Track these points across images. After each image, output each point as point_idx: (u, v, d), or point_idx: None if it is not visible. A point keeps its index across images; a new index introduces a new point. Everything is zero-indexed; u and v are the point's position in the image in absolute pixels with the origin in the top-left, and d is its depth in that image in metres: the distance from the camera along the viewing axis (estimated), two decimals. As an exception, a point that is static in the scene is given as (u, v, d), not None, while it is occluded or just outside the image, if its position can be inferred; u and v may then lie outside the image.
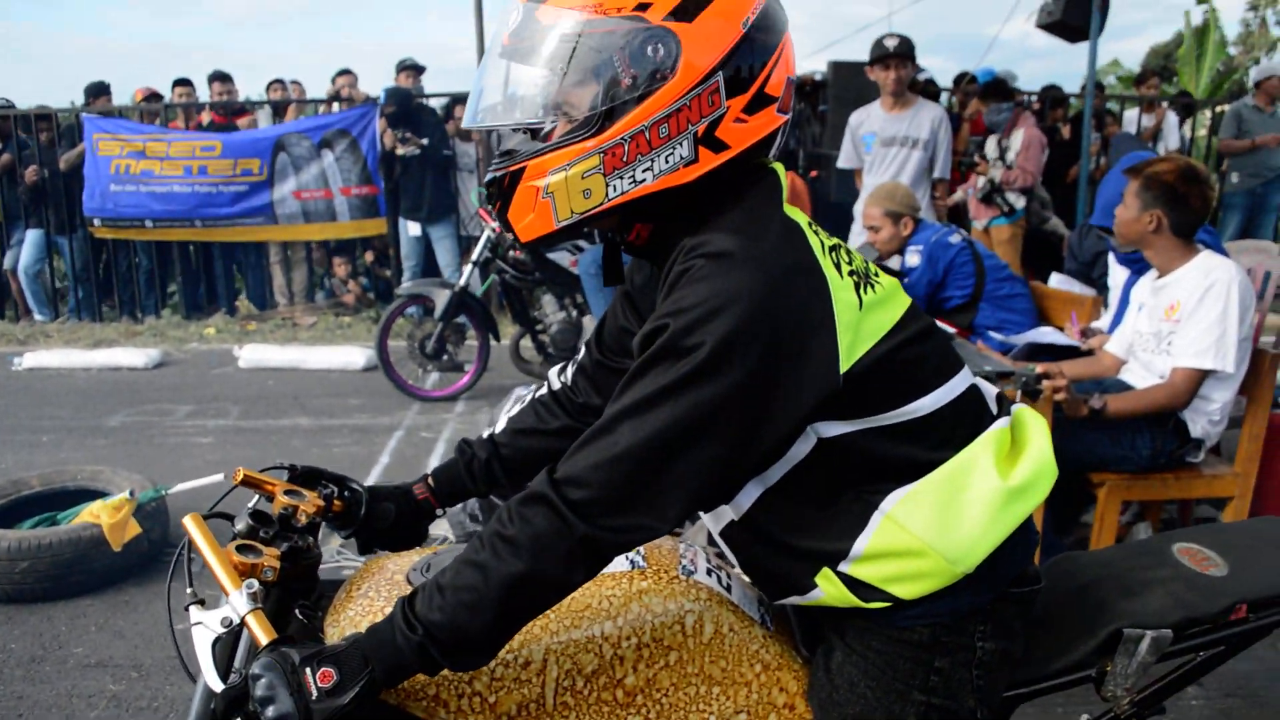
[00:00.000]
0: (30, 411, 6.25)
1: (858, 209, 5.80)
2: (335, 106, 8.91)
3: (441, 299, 5.99)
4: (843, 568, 1.32)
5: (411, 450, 5.29)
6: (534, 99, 1.28)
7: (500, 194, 1.32)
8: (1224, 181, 9.03)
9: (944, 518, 1.28)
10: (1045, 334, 3.88)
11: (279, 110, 9.14)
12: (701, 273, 1.20)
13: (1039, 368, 2.96)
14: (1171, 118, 9.39)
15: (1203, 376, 3.09)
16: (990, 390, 1.50)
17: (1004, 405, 1.47)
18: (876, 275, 1.36)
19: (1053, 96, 9.14)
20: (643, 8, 1.23)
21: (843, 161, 6.04)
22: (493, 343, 6.25)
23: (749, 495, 1.35)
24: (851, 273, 1.30)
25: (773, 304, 1.18)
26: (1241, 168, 8.72)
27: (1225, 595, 1.53)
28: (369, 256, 9.49)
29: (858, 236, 5.55)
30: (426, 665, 1.22)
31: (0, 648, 3.29)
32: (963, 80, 9.14)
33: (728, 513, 1.38)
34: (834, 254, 1.30)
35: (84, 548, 3.51)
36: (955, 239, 4.24)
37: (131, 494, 3.54)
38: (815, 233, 1.31)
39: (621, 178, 1.25)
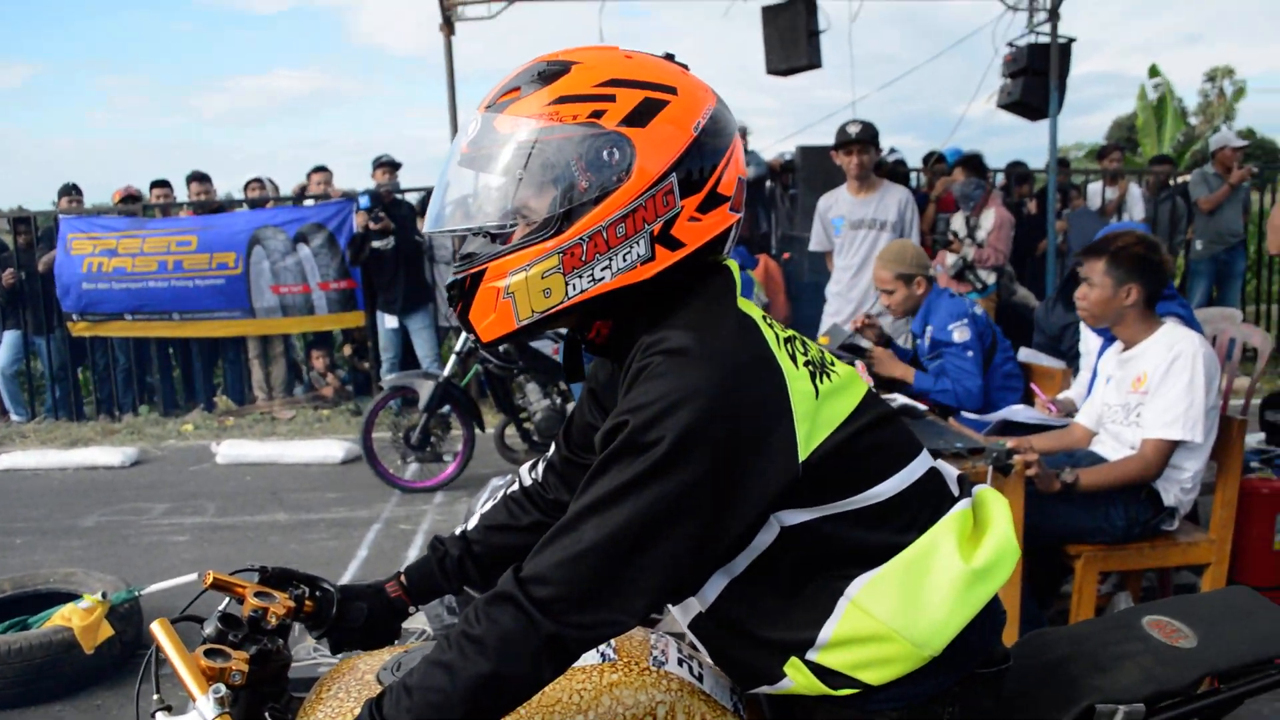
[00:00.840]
0: (3, 513, 6.18)
1: (829, 290, 5.88)
2: (309, 203, 9.00)
3: (426, 390, 6.01)
4: (810, 656, 1.32)
5: (390, 543, 5.25)
6: (493, 203, 1.32)
7: (462, 295, 1.35)
8: (1189, 249, 9.22)
9: (909, 602, 1.30)
10: (1018, 413, 3.91)
11: (257, 209, 9.23)
12: (659, 369, 1.22)
13: (1009, 443, 2.99)
14: (1134, 190, 9.60)
15: (1173, 447, 3.13)
16: (951, 472, 1.52)
17: (966, 487, 1.49)
18: (832, 364, 1.39)
19: (1018, 173, 9.37)
20: (597, 115, 1.27)
21: (814, 245, 6.14)
22: (478, 432, 6.25)
23: (715, 586, 1.35)
24: (807, 363, 1.33)
25: (730, 398, 1.21)
26: (1204, 235, 8.91)
27: (1195, 667, 1.54)
28: (347, 350, 9.52)
29: (831, 318, 5.62)
30: None
31: (-32, 759, 3.22)
32: (930, 159, 9.36)
33: (695, 605, 1.39)
34: (789, 345, 1.33)
35: (55, 651, 3.45)
36: (979, 309, 4.25)
37: (104, 596, 3.51)
38: (770, 325, 1.35)
39: (581, 276, 1.29)
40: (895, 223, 5.55)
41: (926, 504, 1.38)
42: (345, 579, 4.48)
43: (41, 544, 5.47)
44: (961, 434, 3.28)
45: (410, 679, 1.22)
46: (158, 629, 1.36)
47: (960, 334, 4.02)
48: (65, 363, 9.23)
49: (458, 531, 1.75)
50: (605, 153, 1.27)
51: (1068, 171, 10.23)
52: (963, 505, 1.41)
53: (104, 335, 8.96)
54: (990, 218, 6.95)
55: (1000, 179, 9.20)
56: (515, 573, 1.23)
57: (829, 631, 1.31)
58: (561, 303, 1.30)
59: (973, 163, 7.70)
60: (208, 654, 1.35)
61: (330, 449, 7.24)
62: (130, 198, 9.26)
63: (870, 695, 1.33)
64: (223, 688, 1.28)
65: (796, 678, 1.34)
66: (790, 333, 1.39)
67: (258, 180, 9.43)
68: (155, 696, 1.34)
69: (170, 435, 8.40)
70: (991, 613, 1.39)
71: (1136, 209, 9.53)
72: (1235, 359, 3.99)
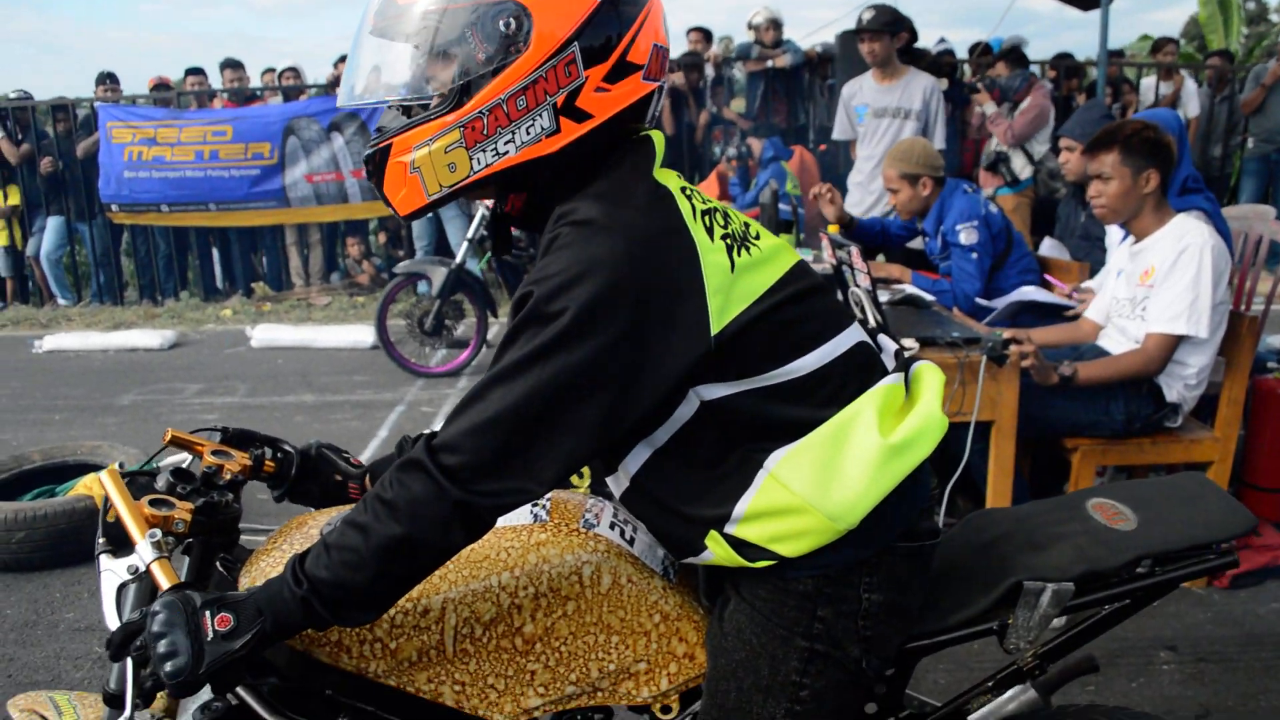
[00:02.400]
0: (46, 391, 6.39)
1: (851, 180, 5.78)
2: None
3: (438, 277, 6.05)
4: (728, 530, 1.34)
5: (410, 425, 5.36)
6: (398, 76, 1.31)
7: (375, 170, 1.35)
8: (1242, 148, 8.92)
9: (824, 475, 1.30)
10: (1030, 292, 3.86)
11: (291, 97, 9.23)
12: (566, 239, 1.23)
13: (1006, 333, 2.97)
14: (1190, 85, 9.26)
15: (1176, 342, 3.08)
16: (889, 346, 1.52)
17: (901, 361, 1.48)
18: (756, 237, 1.37)
19: (1066, 66, 9.04)
20: None
21: (837, 133, 6.02)
22: (490, 318, 6.30)
23: (638, 459, 1.37)
24: (725, 236, 1.31)
25: (637, 270, 1.21)
26: (1257, 133, 8.62)
27: (1130, 549, 1.53)
28: (382, 237, 9.58)
29: (852, 208, 5.53)
30: (313, 620, 1.26)
31: (-5, 614, 3.41)
32: (975, 50, 9.06)
33: (623, 479, 1.41)
34: (707, 217, 1.32)
35: (78, 518, 3.62)
36: (993, 208, 4.18)
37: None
38: (689, 197, 1.33)
39: (484, 150, 1.29)
40: (920, 112, 5.41)
41: (852, 378, 1.37)
42: (364, 456, 4.59)
43: (78, 420, 5.66)
44: (960, 323, 3.26)
45: (330, 537, 1.27)
46: (105, 477, 1.43)
47: (967, 236, 3.96)
48: (108, 248, 9.41)
49: (426, 432, 1.80)
50: (502, 23, 1.26)
51: (1120, 64, 9.84)
52: (892, 380, 1.39)
53: (142, 224, 9.10)
54: (1027, 104, 6.74)
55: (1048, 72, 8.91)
56: (427, 440, 1.26)
57: (745, 505, 1.32)
58: (467, 177, 1.31)
59: (1014, 54, 7.45)
60: (153, 503, 1.42)
61: (361, 334, 7.34)
62: (162, 86, 9.30)
63: (786, 565, 1.35)
64: (159, 533, 1.35)
65: (716, 550, 1.36)
66: (713, 204, 1.37)
67: (292, 69, 9.40)
68: (100, 539, 1.41)
69: (209, 320, 8.58)
70: (913, 486, 1.38)
71: (1191, 105, 9.21)
72: (1262, 257, 3.89)
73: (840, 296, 3.32)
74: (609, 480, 1.48)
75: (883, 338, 1.54)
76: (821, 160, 8.36)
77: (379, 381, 6.26)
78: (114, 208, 8.91)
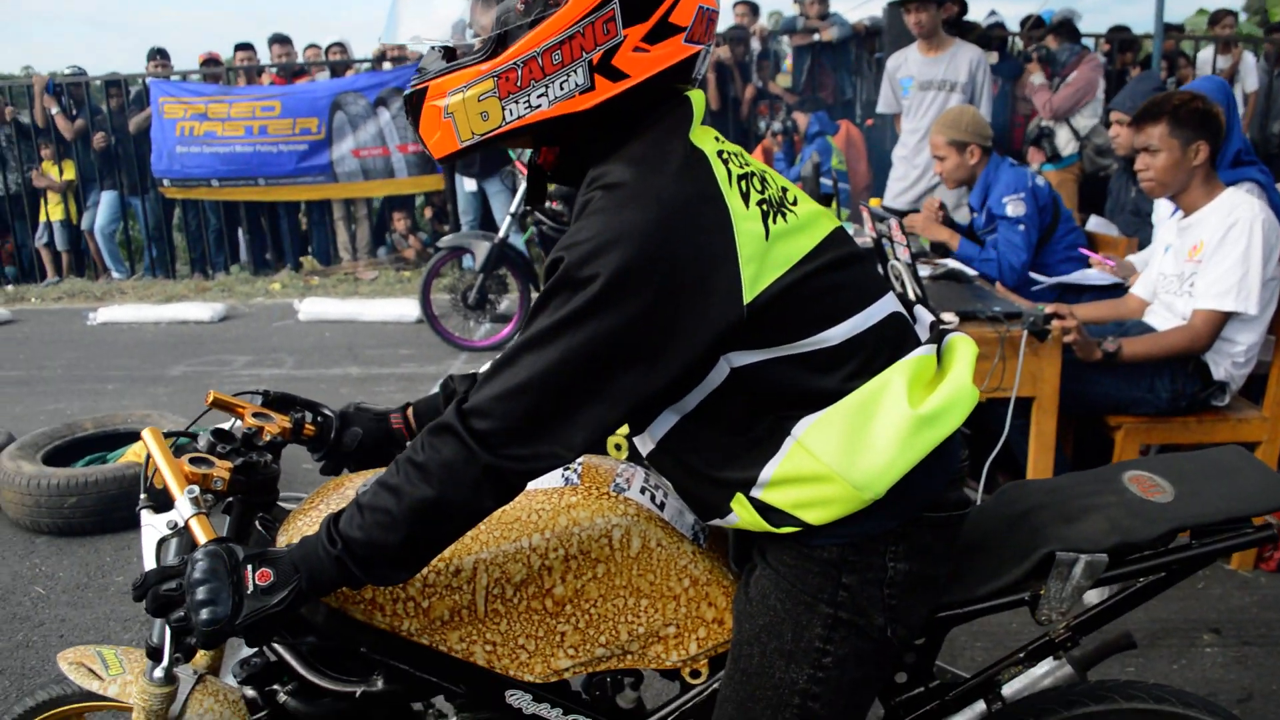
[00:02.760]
0: (99, 362, 6.54)
1: (895, 154, 5.72)
2: (386, 66, 9.03)
3: (481, 251, 6.09)
4: (755, 493, 1.34)
5: (454, 398, 5.41)
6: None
7: (412, 111, 1.36)
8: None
9: (851, 444, 1.29)
10: (1091, 275, 3.81)
11: (337, 72, 9.31)
12: (598, 205, 1.23)
13: (1049, 308, 2.93)
14: (1249, 59, 9.03)
15: (1224, 319, 3.03)
16: (925, 319, 1.51)
17: (936, 333, 1.47)
18: (795, 202, 1.35)
19: (1121, 39, 8.86)
20: None
21: (881, 106, 5.96)
22: (533, 292, 6.34)
23: (666, 423, 1.37)
24: (761, 201, 1.30)
25: (668, 237, 1.20)
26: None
27: (1165, 521, 1.51)
28: (427, 212, 9.65)
29: (897, 183, 5.49)
30: (347, 578, 1.28)
31: (49, 575, 3.52)
32: (1027, 23, 8.90)
33: (649, 441, 1.42)
34: (744, 182, 1.30)
35: (128, 485, 3.72)
36: (1041, 181, 4.12)
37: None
38: (725, 161, 1.31)
39: (517, 102, 1.28)
40: (965, 84, 5.33)
41: (885, 349, 1.36)
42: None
43: (130, 390, 5.78)
44: (1001, 297, 3.23)
45: (363, 498, 1.28)
46: (147, 435, 1.47)
47: (1014, 207, 3.89)
48: (160, 223, 9.57)
49: (472, 372, 1.82)
50: None
51: (1177, 38, 9.62)
52: (924, 351, 1.38)
53: (193, 199, 9.24)
54: (1072, 78, 6.61)
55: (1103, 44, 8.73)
56: (459, 404, 1.26)
57: (771, 470, 1.32)
58: (499, 127, 1.30)
59: (1065, 27, 7.30)
60: (193, 461, 1.46)
61: (406, 308, 7.42)
62: (212, 61, 9.41)
63: (811, 533, 1.35)
64: (197, 489, 1.38)
65: (741, 514, 1.36)
66: (751, 168, 1.35)
67: (338, 44, 9.47)
68: (143, 495, 1.45)
69: (259, 293, 8.71)
70: (942, 458, 1.37)
71: (1250, 79, 8.99)
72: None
73: (880, 270, 3.32)
74: (635, 440, 1.48)
75: (919, 309, 1.53)
76: (868, 135, 8.27)
77: (423, 355, 6.33)
78: (166, 182, 9.07)
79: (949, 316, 2.98)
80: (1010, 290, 3.84)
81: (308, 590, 1.28)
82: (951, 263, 3.74)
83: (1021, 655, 1.60)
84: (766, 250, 1.27)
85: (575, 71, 1.26)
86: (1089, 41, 8.18)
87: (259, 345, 6.85)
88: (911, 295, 2.93)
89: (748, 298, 1.24)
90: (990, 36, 7.37)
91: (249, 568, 1.26)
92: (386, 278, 8.91)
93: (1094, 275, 3.80)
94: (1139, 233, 4.48)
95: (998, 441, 2.93)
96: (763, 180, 1.35)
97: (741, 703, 1.40)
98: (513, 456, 1.24)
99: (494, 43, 1.28)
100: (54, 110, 9.26)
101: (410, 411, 1.77)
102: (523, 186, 6.03)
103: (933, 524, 1.41)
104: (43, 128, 9.39)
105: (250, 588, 1.25)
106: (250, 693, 1.54)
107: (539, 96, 1.27)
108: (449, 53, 1.35)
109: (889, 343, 1.37)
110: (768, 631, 1.38)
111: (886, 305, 1.40)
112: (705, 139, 1.33)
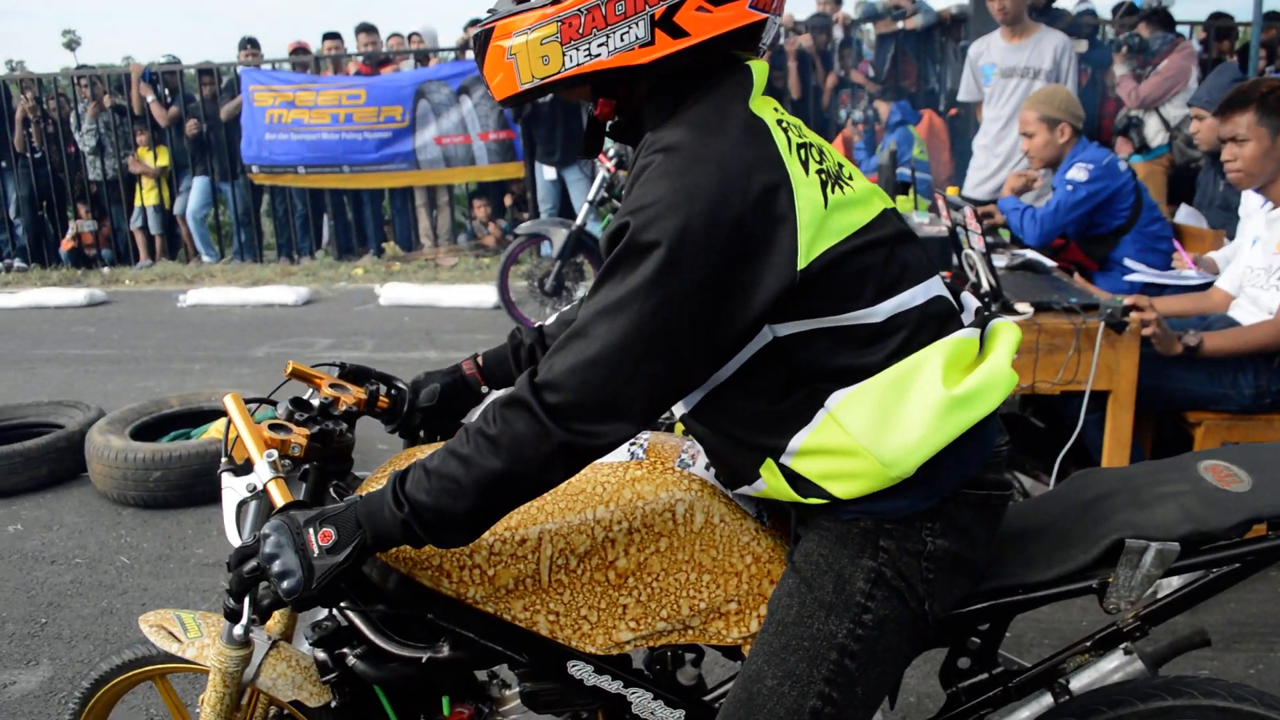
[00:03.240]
0: (188, 342, 6.75)
1: (976, 143, 5.60)
2: (468, 55, 9.14)
3: (559, 238, 6.14)
4: (784, 460, 1.34)
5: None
6: None
7: (479, 50, 1.37)
8: None
9: (882, 421, 1.29)
10: (1187, 275, 3.71)
11: (421, 61, 9.47)
12: (659, 169, 1.23)
13: (1127, 299, 2.87)
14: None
15: (1314, 313, 2.93)
16: (971, 304, 1.49)
17: (980, 318, 1.46)
18: (850, 178, 1.36)
19: (1218, 27, 8.58)
20: None
21: (963, 94, 5.84)
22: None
23: (700, 390, 1.38)
24: (820, 171, 1.30)
25: (730, 200, 1.20)
26: None
27: (1241, 511, 1.47)
28: (507, 200, 9.76)
29: (977, 172, 5.38)
30: (410, 538, 1.31)
31: (133, 546, 3.66)
32: (1119, 10, 8.67)
33: (682, 406, 1.42)
34: (803, 151, 1.30)
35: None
36: (1124, 166, 4.03)
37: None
38: (785, 130, 1.31)
39: (577, 49, 1.28)
40: (1049, 71, 5.20)
41: (926, 330, 1.35)
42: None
43: (215, 370, 5.97)
44: (1080, 288, 3.17)
45: (430, 463, 1.31)
46: (229, 401, 1.53)
47: (1077, 173, 3.79)
48: (249, 208, 9.83)
49: (539, 324, 1.86)
50: None
51: (1278, 28, 9.28)
52: (965, 333, 1.37)
53: (280, 185, 9.47)
54: (1162, 66, 6.42)
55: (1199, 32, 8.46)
56: (531, 377, 1.28)
57: (801, 439, 1.32)
58: (559, 72, 1.30)
59: (1158, 15, 7.09)
60: (272, 428, 1.51)
61: (484, 295, 7.52)
62: (301, 50, 9.63)
63: (838, 505, 1.34)
64: (275, 453, 1.44)
65: (770, 480, 1.36)
66: (808, 139, 1.35)
67: (417, 34, 9.64)
68: (224, 459, 1.51)
69: (341, 278, 8.90)
70: (975, 440, 1.36)
71: (1352, 69, 8.65)
72: None
73: (955, 259, 3.27)
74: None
75: (966, 295, 1.52)
76: (951, 125, 8.15)
77: (499, 340, 6.34)
78: (254, 169, 9.31)
79: (1023, 307, 2.94)
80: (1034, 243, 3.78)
81: (372, 546, 1.31)
82: (1029, 253, 3.67)
83: (1088, 644, 1.58)
84: (824, 218, 1.27)
85: (637, 24, 1.26)
86: (1184, 30, 7.95)
87: (340, 328, 7.01)
88: (985, 285, 2.90)
89: (801, 263, 1.24)
90: (1080, 24, 7.18)
91: (310, 530, 1.31)
92: (466, 264, 9.04)
93: (1190, 275, 3.69)
94: (1227, 226, 4.35)
95: (1071, 435, 2.89)
96: (820, 152, 1.35)
97: (774, 653, 1.38)
98: (585, 433, 1.25)
99: None
100: (149, 98, 9.56)
101: (479, 358, 1.82)
102: (601, 174, 6.07)
103: (971, 503, 1.39)
104: (139, 115, 9.71)
105: (315, 550, 1.30)
106: (321, 655, 1.58)
107: (599, 45, 1.27)
108: None
109: (932, 324, 1.36)
110: (809, 583, 1.38)
111: (933, 287, 1.39)
112: (765, 108, 1.33)
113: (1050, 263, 3.58)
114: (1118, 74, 6.58)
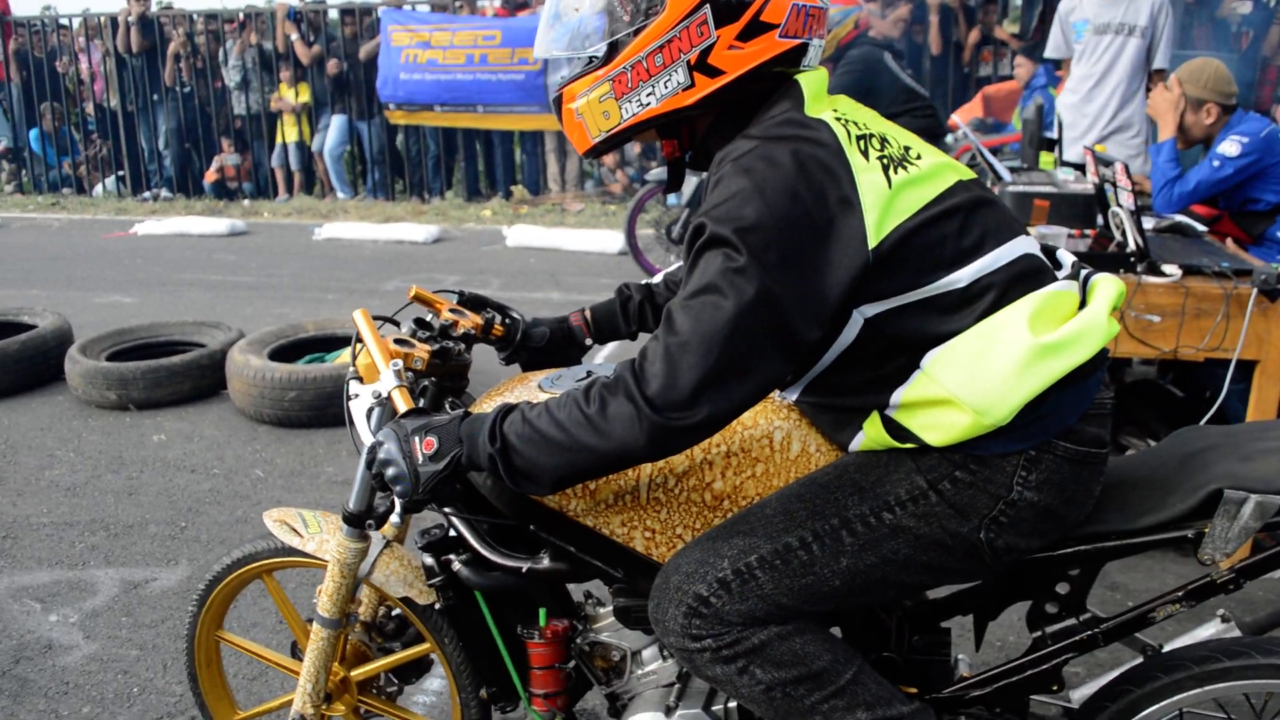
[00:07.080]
0: (322, 274, 7.04)
1: (1061, 101, 5.24)
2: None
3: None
4: (887, 413, 1.41)
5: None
6: (570, 33, 1.49)
7: (557, 112, 1.54)
8: None
9: (973, 370, 1.34)
10: None
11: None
12: (728, 175, 1.33)
13: (1282, 267, 2.76)
14: None
15: None
16: (1067, 259, 1.52)
17: (1078, 272, 1.49)
18: (918, 157, 1.41)
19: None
20: None
21: (1050, 51, 5.43)
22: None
23: (803, 377, 1.47)
24: (881, 157, 1.37)
25: (798, 190, 1.29)
26: None
27: None
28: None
29: (1066, 131, 5.03)
30: (493, 472, 1.39)
31: (268, 461, 3.89)
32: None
33: (789, 394, 1.54)
34: (862, 142, 1.38)
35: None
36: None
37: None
38: (844, 124, 1.39)
39: (630, 101, 1.44)
40: (1146, 27, 4.85)
41: (1017, 288, 1.39)
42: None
43: (348, 300, 6.23)
44: (1233, 254, 3.05)
45: (531, 412, 1.38)
46: (358, 315, 1.64)
47: (1227, 147, 3.60)
48: (384, 147, 10.12)
49: (644, 282, 1.93)
50: None
51: None
52: (1058, 286, 1.41)
53: (416, 124, 9.71)
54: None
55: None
56: (633, 364, 1.35)
57: (900, 395, 1.39)
58: (619, 124, 1.46)
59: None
60: (397, 342, 1.61)
61: (608, 240, 7.63)
62: (440, -11, 9.81)
63: (929, 451, 1.40)
64: (400, 363, 1.54)
65: (870, 431, 1.43)
66: (870, 130, 1.41)
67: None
68: (351, 368, 1.62)
69: (470, 218, 9.13)
70: (1075, 390, 1.39)
71: None
72: None
73: (1100, 217, 3.20)
74: None
75: (1061, 252, 1.54)
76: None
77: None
78: (391, 107, 9.54)
79: (1171, 269, 2.85)
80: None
81: (465, 465, 1.41)
82: (1179, 216, 3.55)
83: (1180, 594, 1.57)
84: (890, 199, 1.34)
85: (676, 71, 1.40)
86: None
87: (468, 267, 7.20)
88: (1132, 244, 2.83)
89: (873, 243, 1.32)
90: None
91: (416, 439, 1.41)
92: (592, 210, 9.16)
93: None
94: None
95: (1213, 405, 2.81)
96: (882, 140, 1.41)
97: (787, 495, 1.47)
98: (681, 419, 1.31)
99: (608, 51, 1.43)
100: (293, 36, 9.90)
101: (588, 312, 1.90)
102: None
103: (1069, 457, 1.41)
104: (282, 53, 10.06)
105: (420, 457, 1.40)
106: (429, 560, 1.69)
107: (648, 95, 1.42)
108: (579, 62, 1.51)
109: (1020, 281, 1.40)
110: (857, 467, 1.45)
111: (1019, 246, 1.43)
112: (822, 109, 1.41)
113: (1201, 227, 3.45)
114: (1273, 40, 6.21)
